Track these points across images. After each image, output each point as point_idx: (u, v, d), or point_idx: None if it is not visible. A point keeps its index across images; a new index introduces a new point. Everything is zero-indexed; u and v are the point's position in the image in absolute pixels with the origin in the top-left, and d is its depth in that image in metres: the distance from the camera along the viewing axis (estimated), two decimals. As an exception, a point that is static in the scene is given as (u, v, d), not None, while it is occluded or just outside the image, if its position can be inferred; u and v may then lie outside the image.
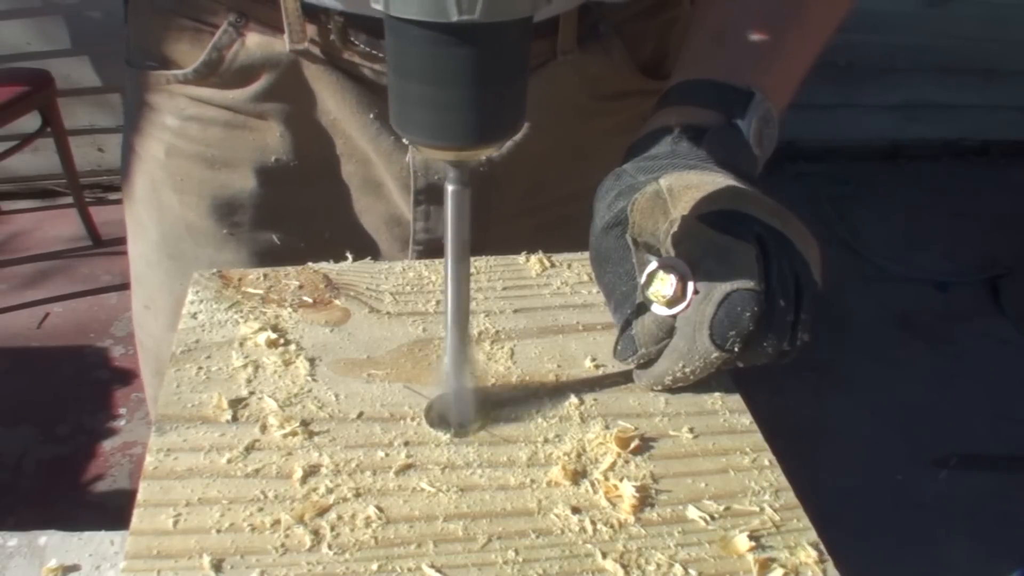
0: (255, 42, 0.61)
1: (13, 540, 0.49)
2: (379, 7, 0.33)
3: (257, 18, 0.61)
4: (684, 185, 0.46)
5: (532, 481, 0.43)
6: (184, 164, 0.68)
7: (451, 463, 0.43)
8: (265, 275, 0.56)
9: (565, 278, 0.57)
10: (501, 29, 0.33)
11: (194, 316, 0.52)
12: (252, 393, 0.47)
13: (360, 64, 0.62)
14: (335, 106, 0.64)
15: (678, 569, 0.38)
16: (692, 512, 0.41)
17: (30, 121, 2.33)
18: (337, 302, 0.54)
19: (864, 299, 2.65)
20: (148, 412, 1.01)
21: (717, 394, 0.49)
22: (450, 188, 0.39)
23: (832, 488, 1.89)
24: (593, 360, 0.51)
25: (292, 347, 0.51)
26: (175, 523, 0.39)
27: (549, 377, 0.49)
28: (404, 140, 0.38)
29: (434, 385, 0.48)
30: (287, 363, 0.49)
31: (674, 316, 0.44)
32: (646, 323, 0.45)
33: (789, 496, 0.43)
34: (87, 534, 0.49)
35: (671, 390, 0.48)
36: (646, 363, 0.47)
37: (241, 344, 0.50)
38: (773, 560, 0.39)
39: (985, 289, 2.75)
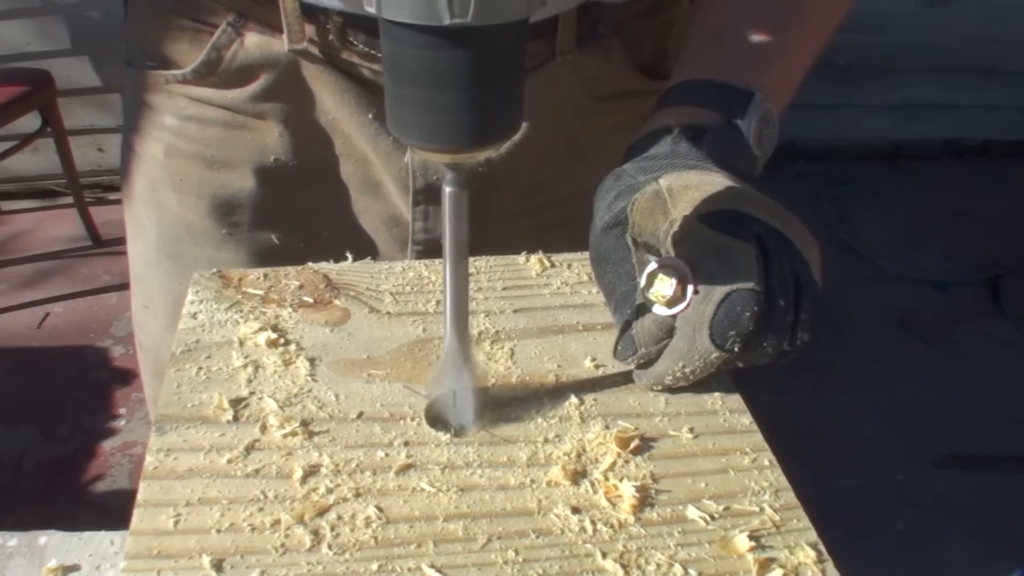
0: (254, 42, 0.61)
1: (13, 540, 0.49)
2: (372, 10, 0.33)
3: (256, 18, 0.61)
4: (684, 185, 0.46)
5: (532, 481, 0.43)
6: (183, 164, 0.68)
7: (451, 463, 0.43)
8: (265, 275, 0.56)
9: (565, 278, 0.57)
10: (495, 32, 0.33)
11: (194, 316, 0.52)
12: (252, 393, 0.47)
13: (359, 64, 0.62)
14: (334, 106, 0.64)
15: (678, 569, 0.38)
16: (692, 512, 0.41)
17: (30, 121, 2.34)
18: (337, 302, 0.54)
19: (864, 299, 2.65)
20: (148, 412, 1.01)
21: (717, 394, 0.49)
22: (447, 190, 0.39)
23: (832, 488, 1.89)
24: (593, 360, 0.51)
25: (292, 347, 0.51)
26: (175, 523, 0.39)
27: (549, 377, 0.49)
28: (402, 142, 0.38)
29: (434, 385, 0.48)
30: (287, 363, 0.49)
31: (674, 316, 0.44)
32: (646, 323, 0.45)
33: (789, 496, 0.43)
34: (87, 534, 0.49)
35: (671, 390, 0.48)
36: (646, 363, 0.47)
37: (241, 344, 0.50)
38: (773, 560, 0.39)
39: (985, 289, 2.75)
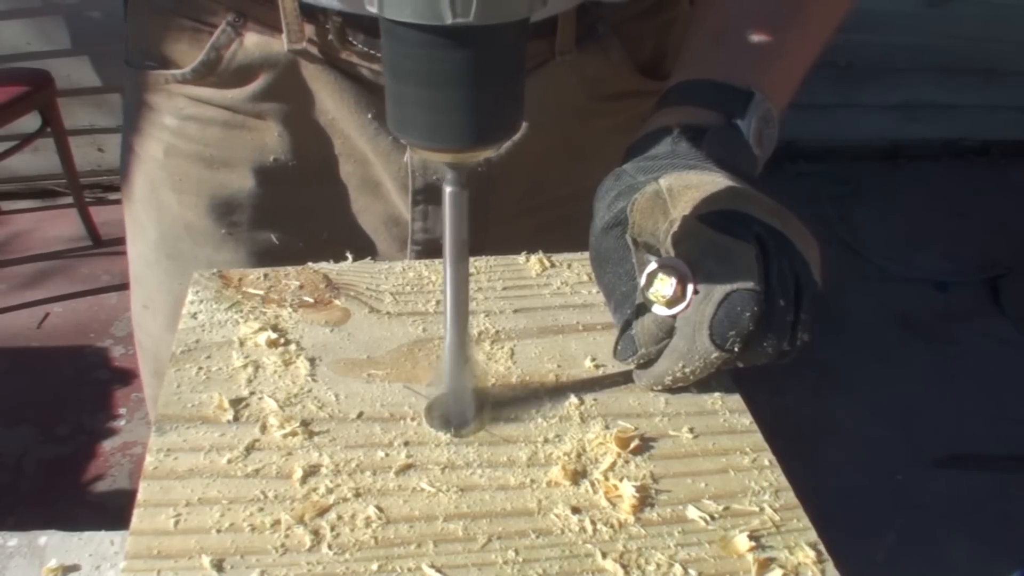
0: (253, 42, 0.61)
1: (13, 540, 0.49)
2: (373, 9, 0.33)
3: (255, 18, 0.61)
4: (684, 185, 0.46)
5: (532, 481, 0.43)
6: (183, 164, 0.68)
7: (451, 463, 0.43)
8: (265, 275, 0.56)
9: (565, 278, 0.57)
10: (496, 31, 0.33)
11: (194, 316, 0.52)
12: (252, 393, 0.47)
13: (358, 64, 0.62)
14: (333, 106, 0.64)
15: (678, 569, 0.38)
16: (692, 512, 0.41)
17: (30, 121, 2.34)
18: (337, 302, 0.54)
19: (864, 299, 2.65)
20: (148, 412, 1.01)
21: (717, 394, 0.49)
22: (448, 190, 0.39)
23: (832, 488, 1.89)
24: (593, 360, 0.51)
25: (292, 347, 0.51)
26: (175, 523, 0.39)
27: (549, 377, 0.49)
28: (402, 141, 0.38)
29: (434, 385, 0.48)
30: (287, 363, 0.49)
31: (674, 316, 0.44)
32: (646, 323, 0.45)
33: (789, 496, 0.43)
34: (87, 534, 0.49)
35: (671, 390, 0.48)
36: (646, 363, 0.47)
37: (241, 344, 0.50)
38: (772, 560, 0.39)
39: (985, 289, 2.75)
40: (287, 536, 0.39)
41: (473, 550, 0.39)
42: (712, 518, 0.41)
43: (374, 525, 0.40)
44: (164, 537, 0.39)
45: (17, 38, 2.56)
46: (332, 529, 0.39)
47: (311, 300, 0.54)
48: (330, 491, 0.41)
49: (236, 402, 0.46)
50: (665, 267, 0.44)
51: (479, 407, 0.46)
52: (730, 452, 0.45)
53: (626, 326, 0.46)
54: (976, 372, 2.39)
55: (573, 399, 0.48)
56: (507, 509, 0.41)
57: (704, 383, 0.48)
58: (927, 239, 2.96)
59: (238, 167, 0.67)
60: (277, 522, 0.40)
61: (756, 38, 0.56)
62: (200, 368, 0.48)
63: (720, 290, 0.42)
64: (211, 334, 0.51)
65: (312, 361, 0.50)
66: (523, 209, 0.72)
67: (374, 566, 0.38)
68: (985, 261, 2.84)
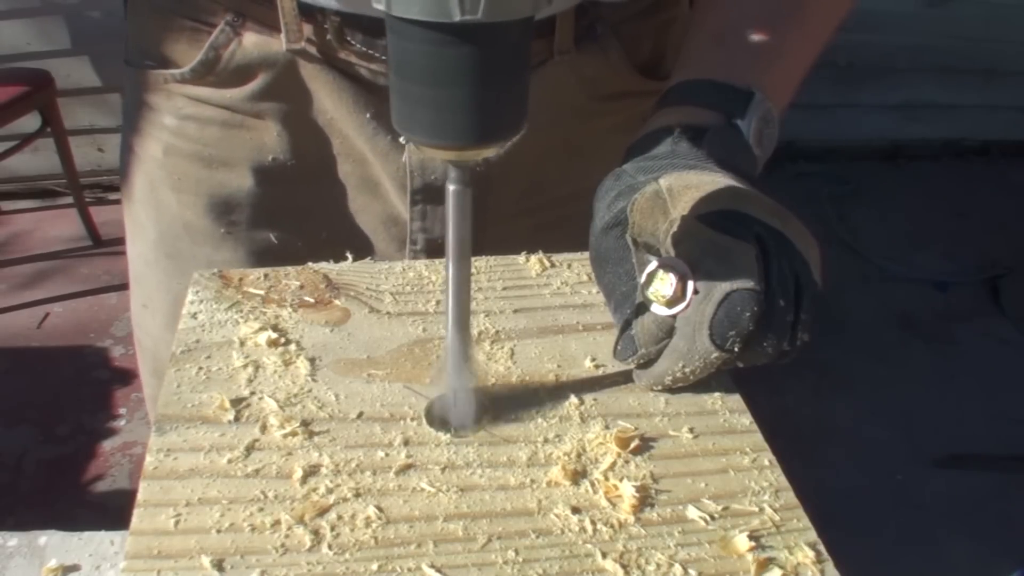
0: (252, 42, 0.61)
1: (13, 540, 0.49)
2: (380, 7, 0.33)
3: (254, 18, 0.61)
4: (684, 185, 0.46)
5: (532, 481, 0.43)
6: (182, 163, 0.68)
7: (451, 463, 0.43)
8: (265, 275, 0.56)
9: (565, 278, 0.57)
10: (503, 29, 0.33)
11: (194, 316, 0.52)
12: (252, 393, 0.47)
13: (356, 64, 0.62)
14: (332, 105, 0.64)
15: (678, 569, 0.38)
16: (692, 512, 0.41)
17: (30, 121, 2.34)
18: (337, 302, 0.54)
19: (864, 299, 2.65)
20: (148, 412, 1.01)
21: (717, 394, 0.49)
22: (451, 188, 0.39)
23: (832, 488, 1.89)
24: (593, 360, 0.51)
25: (292, 347, 0.50)
26: (175, 523, 0.39)
27: (549, 377, 0.49)
28: (402, 139, 0.38)
29: (434, 385, 0.48)
30: (287, 363, 0.49)
31: (674, 316, 0.44)
32: (646, 323, 0.45)
33: (789, 496, 0.43)
34: (87, 534, 0.49)
35: (671, 390, 0.48)
36: (646, 363, 0.47)
37: (241, 344, 0.50)
38: (772, 560, 0.39)
39: (985, 289, 2.75)
40: (287, 536, 0.39)
41: (473, 550, 0.39)
42: (712, 518, 0.41)
43: (374, 525, 0.40)
44: (164, 537, 0.39)
45: (17, 38, 2.56)
46: (332, 529, 0.39)
47: (311, 300, 0.54)
48: (330, 491, 0.41)
49: (236, 402, 0.46)
50: (665, 267, 0.44)
51: (479, 407, 0.46)
52: (730, 452, 0.45)
53: (626, 326, 0.46)
54: (976, 372, 2.39)
55: (573, 399, 0.48)
56: (507, 509, 0.41)
57: (704, 383, 0.48)
58: (927, 239, 2.96)
59: (237, 166, 0.67)
60: (277, 522, 0.39)
61: (756, 38, 0.56)
62: (200, 368, 0.48)
63: (720, 290, 0.42)
64: (211, 334, 0.51)
65: (312, 361, 0.50)
66: (522, 209, 0.72)
67: (374, 566, 0.38)
68: (985, 261, 2.84)
